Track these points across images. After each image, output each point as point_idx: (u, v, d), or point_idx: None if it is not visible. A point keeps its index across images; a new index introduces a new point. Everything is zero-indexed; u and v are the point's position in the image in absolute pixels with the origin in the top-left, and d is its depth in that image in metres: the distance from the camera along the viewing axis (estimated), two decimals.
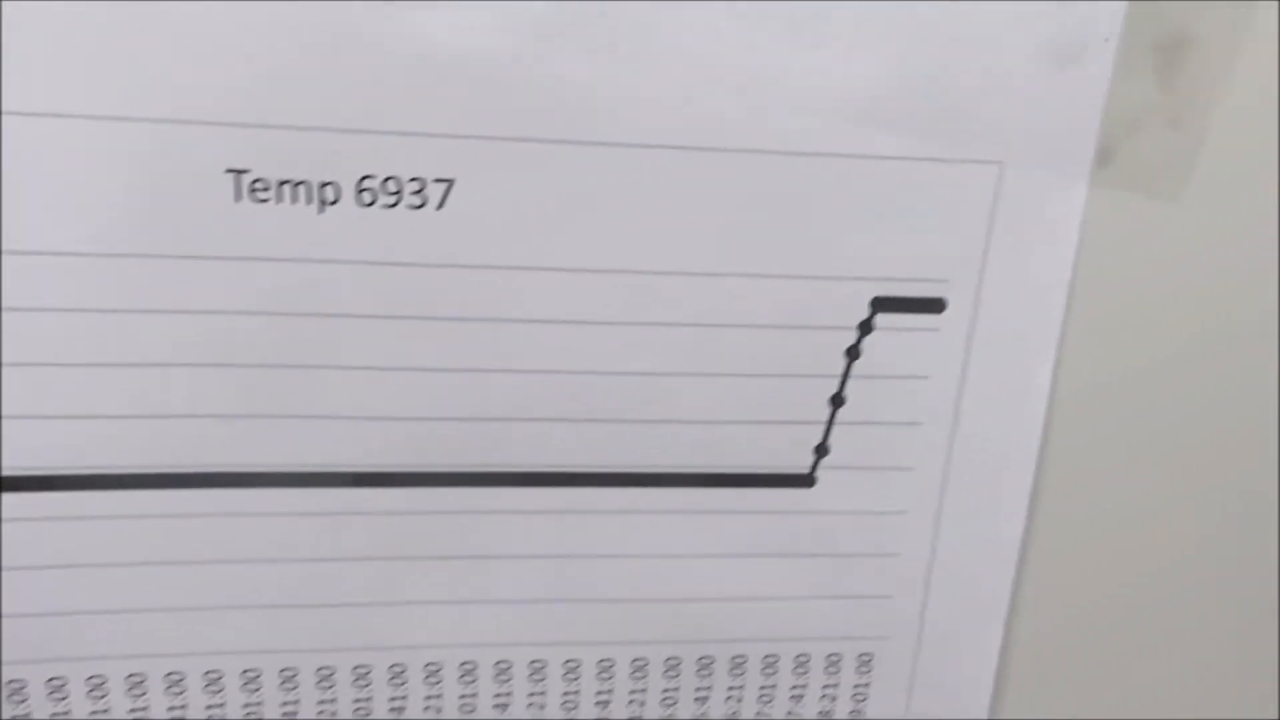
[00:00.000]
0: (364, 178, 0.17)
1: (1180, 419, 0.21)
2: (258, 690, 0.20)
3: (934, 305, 0.19)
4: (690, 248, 0.18)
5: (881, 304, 0.19)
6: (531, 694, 0.21)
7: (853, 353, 0.19)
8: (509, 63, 0.17)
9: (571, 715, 0.21)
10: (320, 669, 0.20)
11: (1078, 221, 0.19)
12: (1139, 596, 0.22)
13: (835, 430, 0.20)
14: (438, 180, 0.17)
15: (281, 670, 0.20)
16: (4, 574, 0.19)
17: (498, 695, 0.21)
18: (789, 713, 0.22)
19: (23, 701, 0.19)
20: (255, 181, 0.17)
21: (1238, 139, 0.19)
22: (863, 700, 0.22)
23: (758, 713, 0.22)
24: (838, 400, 0.20)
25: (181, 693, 0.20)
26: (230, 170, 0.17)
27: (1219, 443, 0.21)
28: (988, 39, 0.17)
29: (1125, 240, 0.19)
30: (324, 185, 0.17)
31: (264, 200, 0.17)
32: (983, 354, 0.19)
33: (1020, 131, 0.18)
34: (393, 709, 0.21)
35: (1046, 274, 0.19)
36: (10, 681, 0.19)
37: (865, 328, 0.19)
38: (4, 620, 0.19)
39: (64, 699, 0.20)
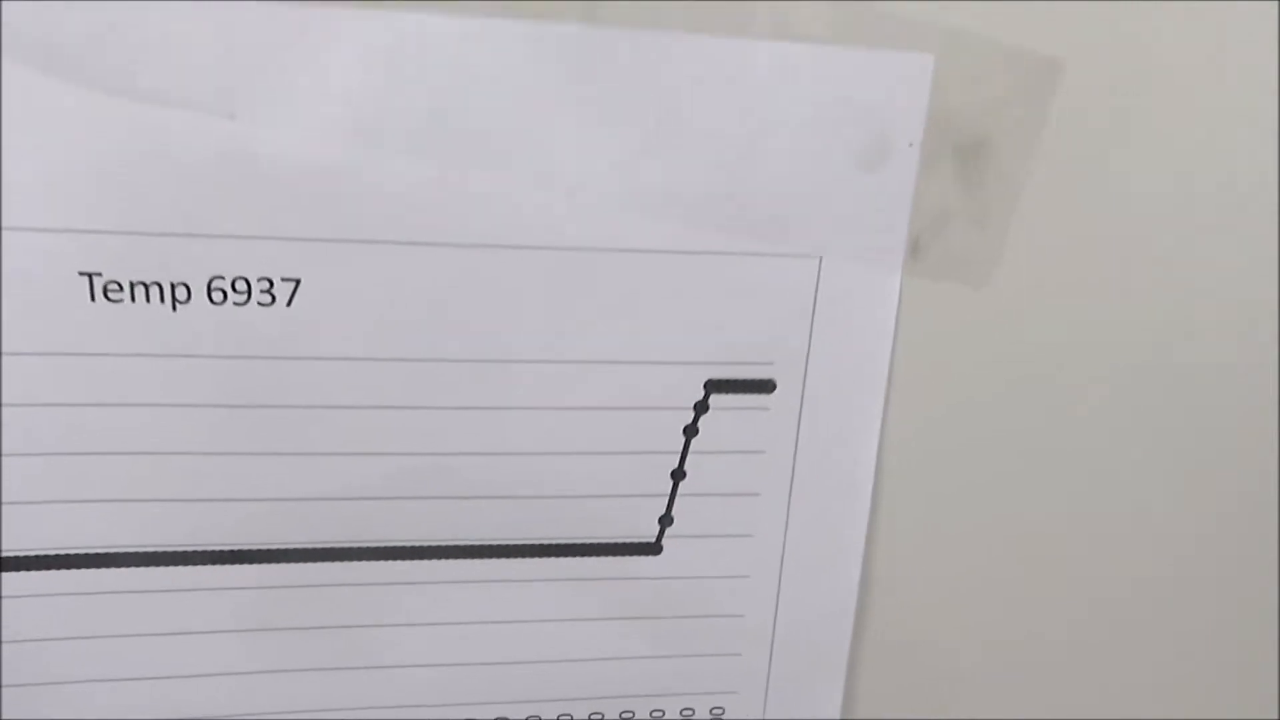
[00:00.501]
0: (214, 278, 0.18)
1: (995, 485, 0.22)
2: None
3: (764, 386, 0.21)
4: (533, 338, 0.19)
5: (715, 385, 0.20)
6: None
7: (690, 431, 0.21)
8: (344, 169, 0.18)
9: None
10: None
11: (894, 308, 0.20)
12: (969, 650, 0.24)
13: (678, 502, 0.21)
14: (285, 279, 0.18)
15: None
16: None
17: None
18: None
19: None
20: (109, 283, 0.18)
21: (1038, 230, 0.20)
22: None
23: None
24: (678, 474, 0.21)
25: None
26: (83, 273, 0.18)
27: (1030, 507, 0.23)
28: (804, 146, 0.19)
29: (938, 323, 0.21)
30: (175, 285, 0.18)
31: (118, 301, 0.18)
32: (812, 429, 0.21)
33: (837, 228, 0.20)
34: None
35: (868, 355, 0.21)
36: None
37: (701, 408, 0.21)
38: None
39: None
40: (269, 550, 0.20)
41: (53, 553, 0.19)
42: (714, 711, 0.23)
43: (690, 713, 0.23)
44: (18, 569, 0.19)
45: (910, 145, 0.19)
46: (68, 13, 0.16)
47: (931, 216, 0.20)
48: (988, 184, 0.20)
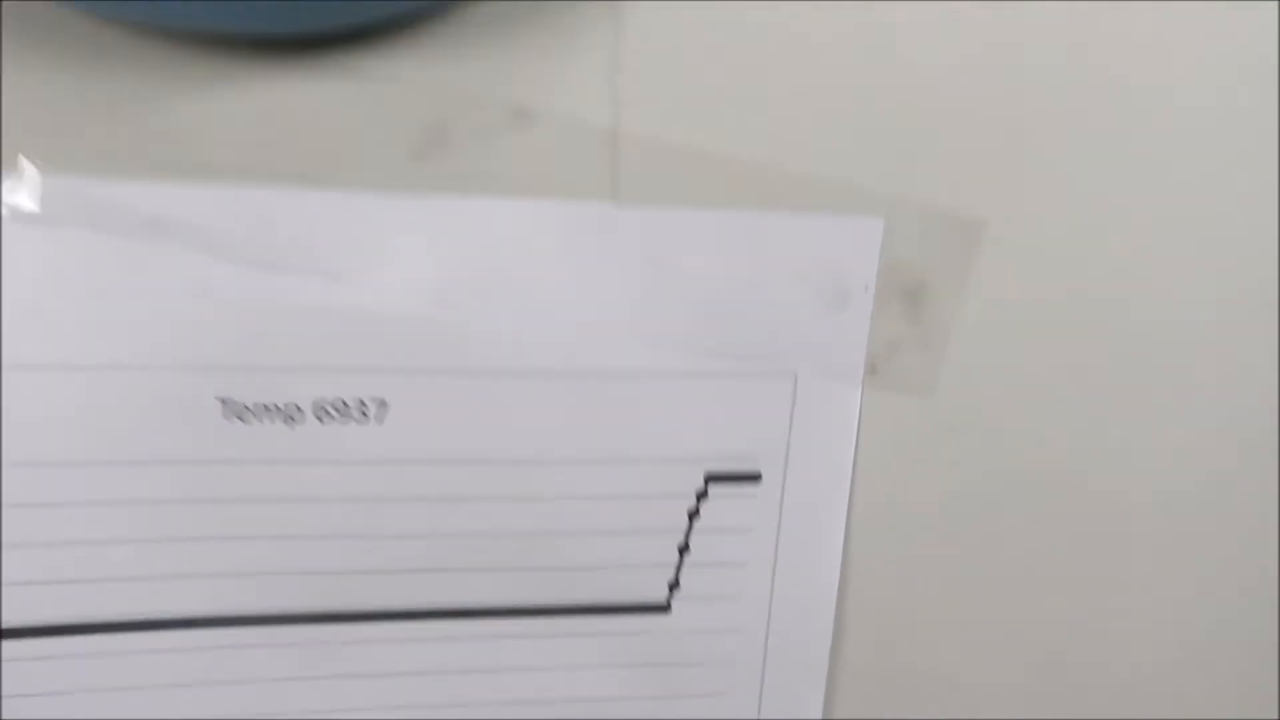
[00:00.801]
0: (320, 401, 0.23)
1: (945, 549, 0.27)
2: None
3: (752, 478, 0.26)
4: (567, 442, 0.24)
5: (713, 477, 0.25)
6: None
7: (693, 513, 0.26)
8: (423, 317, 0.23)
9: None
10: None
11: (855, 415, 0.25)
12: (939, 673, 0.28)
13: (684, 570, 0.26)
14: (376, 401, 0.23)
15: None
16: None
17: None
18: None
19: None
20: (239, 406, 0.23)
21: (970, 351, 0.25)
22: None
23: None
24: (684, 549, 0.26)
25: None
26: (218, 398, 0.23)
27: (982, 563, 0.27)
28: (781, 292, 0.24)
29: (892, 426, 0.26)
30: (288, 406, 0.23)
31: (245, 420, 0.23)
32: (791, 511, 0.26)
33: (810, 354, 0.25)
34: None
35: (836, 452, 0.26)
36: None
37: (701, 495, 0.26)
38: None
39: None
40: (344, 613, 0.25)
41: (206, 615, 0.24)
42: None
43: None
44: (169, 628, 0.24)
45: (866, 289, 0.24)
46: (221, 202, 0.22)
47: (885, 343, 0.25)
48: (928, 317, 0.25)
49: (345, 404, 0.23)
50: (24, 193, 0.21)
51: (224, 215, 0.22)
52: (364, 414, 0.24)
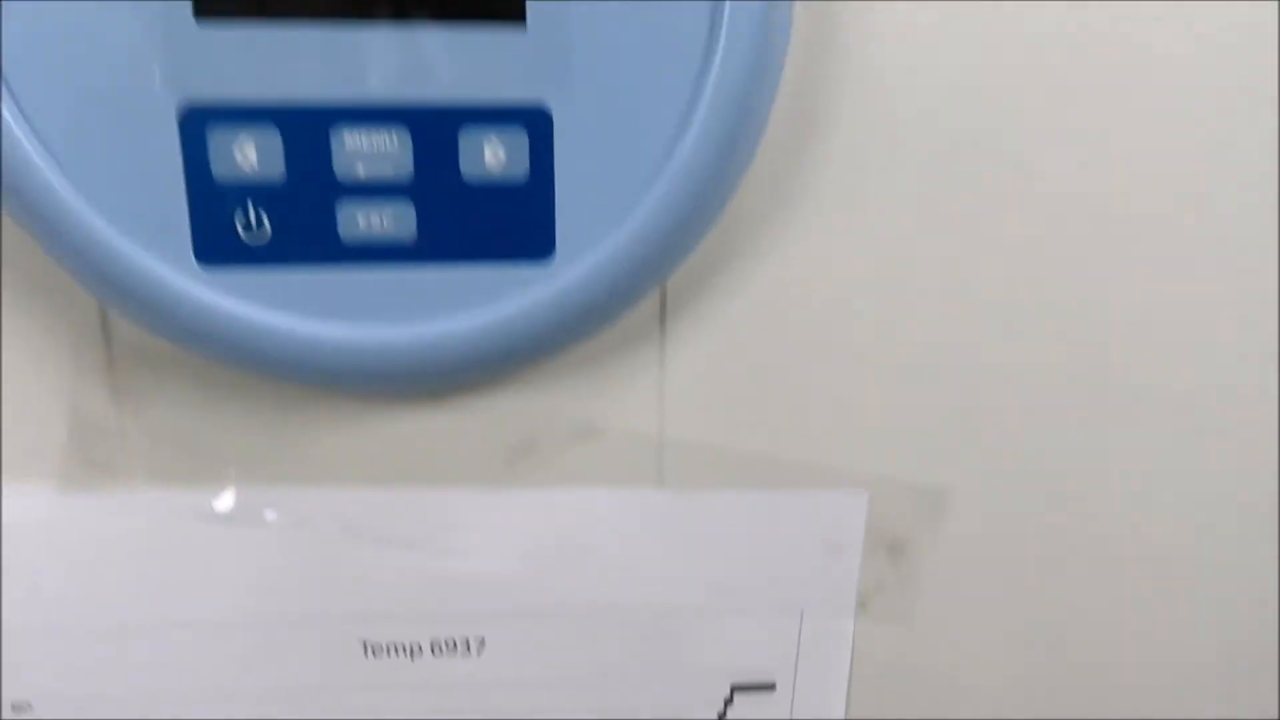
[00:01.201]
0: (434, 640, 0.30)
1: None
2: None
3: (768, 687, 0.32)
4: (623, 659, 0.31)
5: (737, 687, 0.32)
6: None
7: (722, 714, 0.32)
8: (508, 575, 0.30)
9: None
10: None
11: (850, 641, 0.32)
12: None
13: None
14: (475, 638, 0.30)
15: None
16: None
17: None
18: None
19: None
20: (374, 645, 0.30)
21: (942, 588, 0.32)
22: None
23: None
24: None
25: None
26: (360, 639, 0.30)
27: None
28: (789, 546, 0.31)
29: (880, 650, 0.32)
30: (411, 644, 0.30)
31: (379, 655, 0.30)
32: (799, 715, 0.33)
33: (811, 593, 0.32)
34: None
35: (835, 670, 0.33)
36: None
37: (728, 700, 0.32)
38: None
39: None
40: None
41: None
42: None
43: None
44: None
45: (855, 545, 0.31)
46: (367, 501, 0.29)
47: (872, 585, 0.32)
48: (906, 565, 0.32)
49: (454, 641, 0.30)
50: (224, 499, 0.28)
51: (368, 509, 0.29)
52: (467, 649, 0.31)
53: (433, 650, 0.31)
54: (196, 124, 0.23)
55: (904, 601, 0.32)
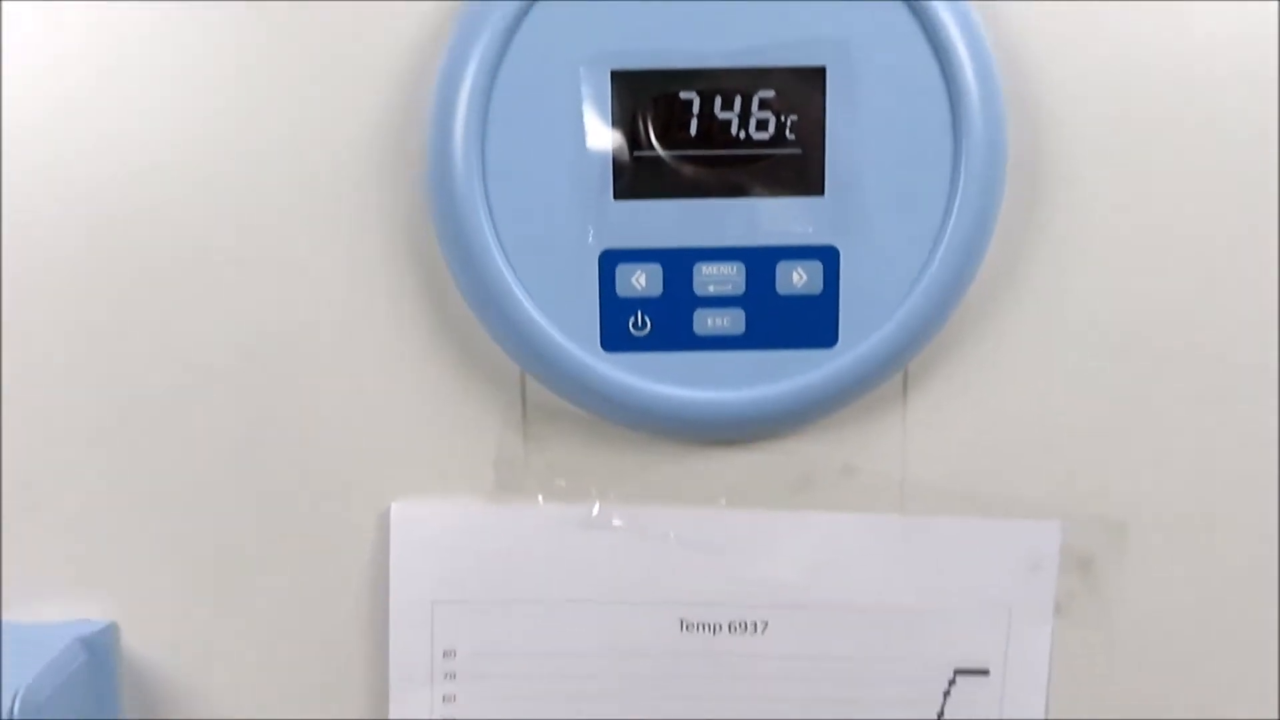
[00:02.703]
0: (732, 621, 0.43)
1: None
2: None
3: (984, 672, 0.43)
4: (871, 649, 0.43)
5: (959, 671, 0.43)
6: None
7: (947, 693, 0.43)
8: (790, 577, 0.42)
9: None
10: None
11: (1049, 638, 0.43)
12: None
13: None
14: (760, 621, 0.43)
15: None
16: None
17: None
18: None
19: None
20: (691, 623, 0.43)
21: (1128, 593, 0.42)
22: None
23: None
24: (940, 714, 0.44)
25: None
26: (680, 619, 0.43)
27: None
28: (1003, 561, 0.42)
29: (1075, 647, 0.43)
30: (737, 624, 0.43)
31: (697, 632, 0.43)
32: (1009, 696, 0.43)
33: (1018, 597, 0.42)
34: None
35: (1036, 661, 0.43)
36: None
37: (952, 682, 0.43)
38: None
39: None
40: None
41: None
42: None
43: None
44: None
45: (1052, 562, 0.42)
46: (691, 518, 0.42)
47: (1066, 594, 0.42)
48: (1097, 579, 0.42)
49: (745, 624, 0.43)
50: (592, 512, 0.42)
51: (690, 522, 0.42)
52: (755, 629, 0.43)
53: (729, 629, 0.43)
54: (610, 262, 0.38)
55: (1095, 608, 0.43)
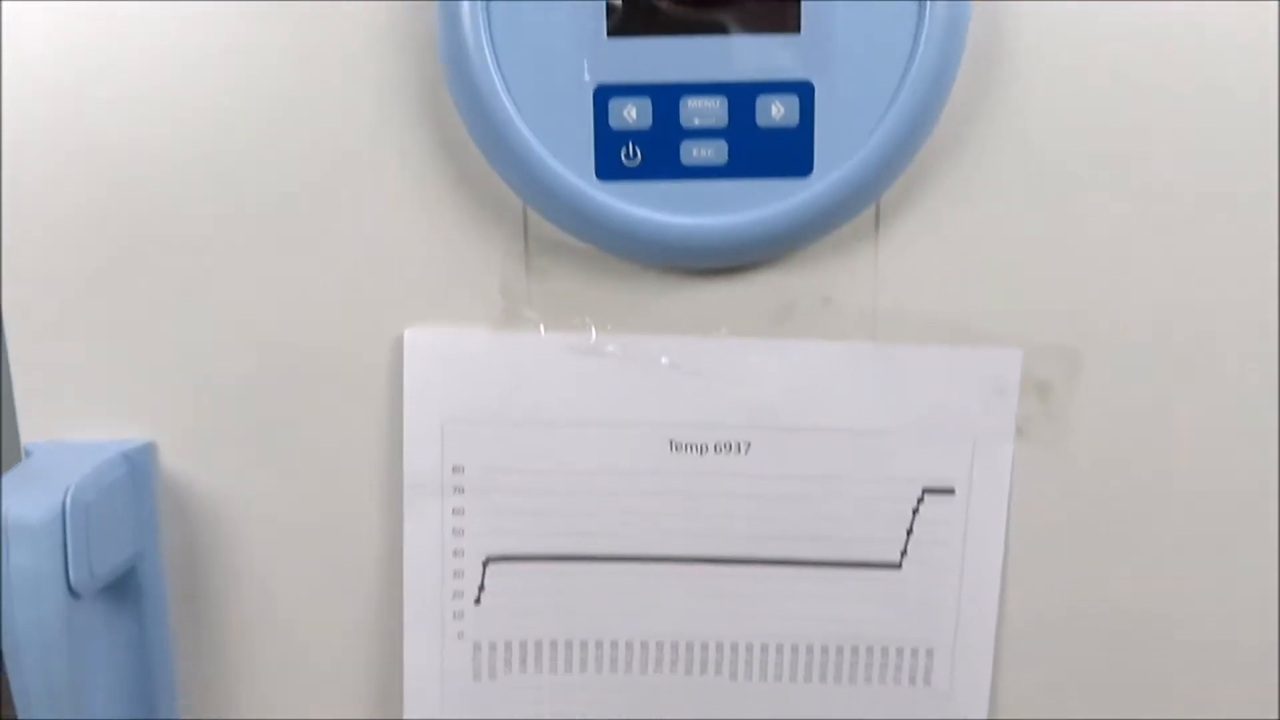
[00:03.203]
0: (718, 441, 0.47)
1: (1073, 542, 0.48)
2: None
3: (950, 492, 0.47)
4: (844, 469, 0.47)
5: (927, 490, 0.47)
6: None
7: (915, 510, 0.48)
8: (767, 398, 0.46)
9: None
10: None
11: (1010, 459, 0.47)
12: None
13: (909, 544, 0.48)
14: (744, 441, 0.47)
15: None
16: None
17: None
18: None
19: None
20: (681, 443, 0.47)
21: (1087, 418, 0.46)
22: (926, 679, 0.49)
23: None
24: (910, 531, 0.48)
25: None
26: (670, 439, 0.47)
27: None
28: (968, 387, 0.46)
29: (1033, 466, 0.47)
30: (722, 444, 0.47)
31: (685, 452, 0.47)
32: (973, 514, 0.47)
33: (983, 422, 0.46)
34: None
35: (999, 480, 0.47)
36: None
37: (920, 500, 0.47)
38: None
39: None
40: (718, 558, 0.48)
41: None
42: (926, 654, 0.49)
43: (899, 656, 0.49)
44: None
45: (1013, 388, 0.46)
46: (675, 345, 0.46)
47: (1026, 417, 0.46)
48: (1055, 404, 0.46)
49: (730, 444, 0.47)
50: (588, 340, 0.46)
51: (679, 349, 0.46)
52: (739, 450, 0.47)
53: (715, 450, 0.47)
54: (604, 96, 0.41)
55: (1052, 429, 0.47)
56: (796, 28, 0.40)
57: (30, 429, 0.48)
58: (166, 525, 0.49)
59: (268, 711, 0.51)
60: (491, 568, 0.48)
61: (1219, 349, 0.46)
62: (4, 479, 0.44)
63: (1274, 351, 0.46)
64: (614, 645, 0.50)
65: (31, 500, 0.43)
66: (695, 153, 0.42)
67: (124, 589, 0.48)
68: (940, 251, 0.45)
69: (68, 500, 0.43)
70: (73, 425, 0.48)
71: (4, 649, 0.44)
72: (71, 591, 0.43)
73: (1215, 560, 0.48)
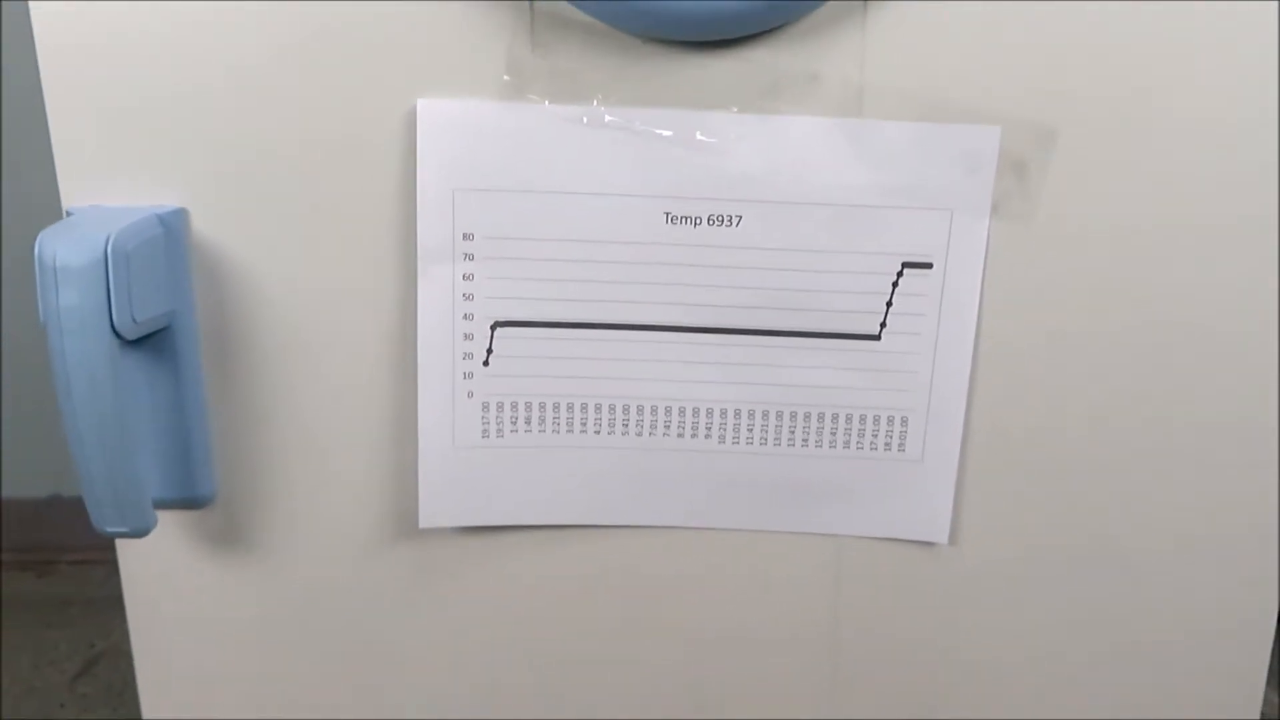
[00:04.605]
0: (711, 214, 0.51)
1: (1040, 303, 0.52)
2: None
3: (928, 266, 0.51)
4: (827, 241, 0.51)
5: (906, 264, 0.51)
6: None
7: (895, 284, 0.51)
8: (757, 172, 0.50)
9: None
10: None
11: (985, 233, 0.50)
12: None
13: (888, 317, 0.52)
14: (735, 216, 0.51)
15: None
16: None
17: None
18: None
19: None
20: (674, 216, 0.51)
21: (1053, 200, 0.50)
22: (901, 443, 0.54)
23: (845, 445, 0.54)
24: (889, 303, 0.52)
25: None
26: (664, 211, 0.51)
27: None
28: (948, 162, 0.49)
29: (1006, 241, 0.50)
30: (715, 218, 0.51)
31: (680, 224, 0.51)
32: (949, 286, 0.51)
33: (960, 198, 0.50)
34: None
35: (974, 254, 0.51)
36: None
37: (900, 274, 0.51)
38: None
39: None
40: (710, 328, 0.53)
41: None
42: (900, 421, 0.54)
43: (879, 418, 0.54)
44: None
45: (991, 165, 0.49)
46: (668, 117, 0.49)
47: (1002, 193, 0.50)
48: (1030, 181, 0.49)
49: (723, 217, 0.51)
50: (587, 111, 0.49)
51: (676, 122, 0.50)
52: (730, 222, 0.51)
53: (709, 221, 0.51)
54: None
55: (1025, 205, 0.50)
56: None
57: (69, 197, 0.52)
58: (197, 290, 0.53)
59: (295, 470, 0.56)
60: (499, 332, 0.53)
61: (1194, 129, 0.49)
62: (47, 231, 0.48)
63: (1251, 132, 0.49)
64: (611, 409, 0.55)
65: (76, 246, 0.47)
66: None
67: (161, 348, 0.53)
68: (926, 29, 0.48)
69: (109, 246, 0.47)
70: (108, 194, 0.52)
71: (56, 387, 0.49)
72: (115, 333, 0.48)
73: (1196, 344, 0.53)
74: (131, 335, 0.49)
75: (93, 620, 1.46)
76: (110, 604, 1.53)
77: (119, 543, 0.57)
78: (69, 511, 1.63)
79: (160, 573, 0.58)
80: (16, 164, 1.56)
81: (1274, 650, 0.59)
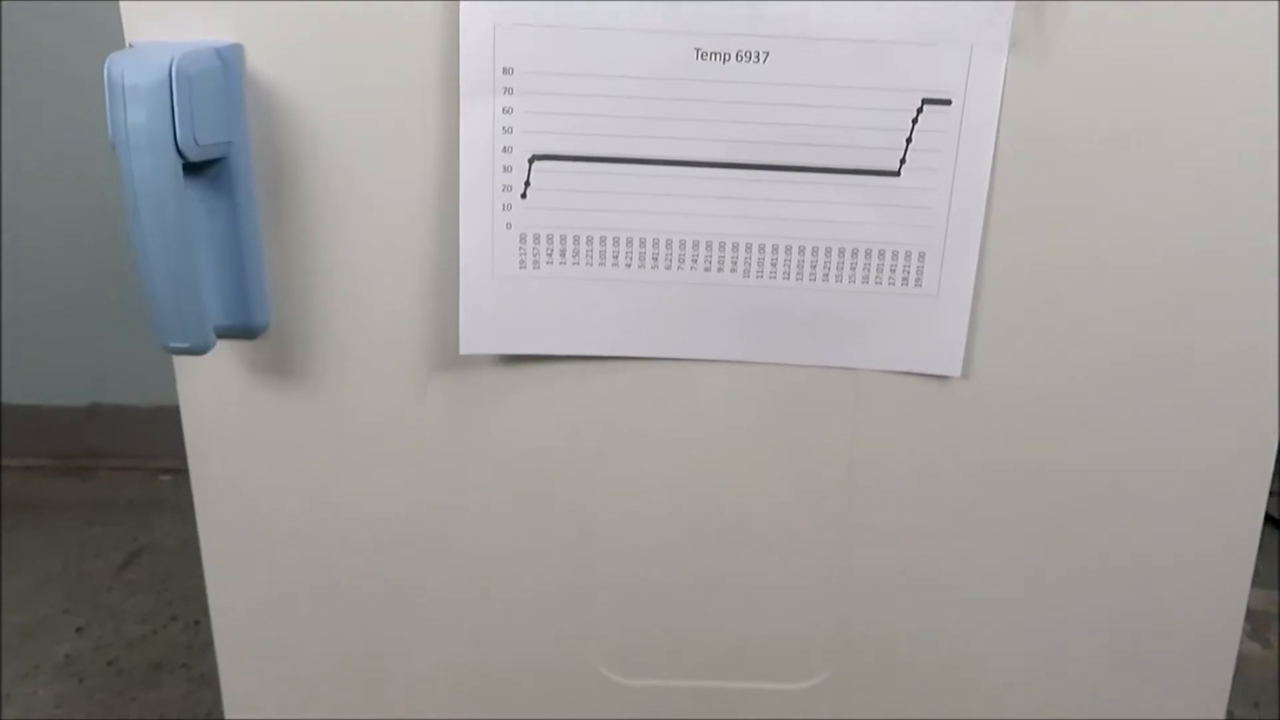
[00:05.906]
0: (740, 51, 0.53)
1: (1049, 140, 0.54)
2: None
3: (947, 102, 0.54)
4: (853, 75, 0.53)
5: (926, 100, 0.54)
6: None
7: (914, 120, 0.54)
8: (785, 12, 0.53)
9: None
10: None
11: (1003, 68, 0.53)
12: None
13: (908, 153, 0.55)
14: (763, 51, 0.53)
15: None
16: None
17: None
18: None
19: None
20: (704, 52, 0.54)
21: (1080, 39, 0.52)
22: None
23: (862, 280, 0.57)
24: (909, 140, 0.55)
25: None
26: (696, 48, 0.54)
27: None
28: (971, 15, 0.52)
29: (1024, 75, 0.53)
30: (743, 54, 0.53)
31: (710, 60, 0.54)
32: (968, 122, 0.54)
33: (978, 41, 0.52)
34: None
35: (992, 87, 0.53)
36: None
37: (919, 110, 0.54)
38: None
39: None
40: (735, 163, 0.56)
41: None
42: (918, 256, 0.57)
43: (897, 256, 0.57)
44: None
45: (1007, 18, 0.52)
46: None
47: (1020, 29, 0.52)
48: (1042, 24, 0.52)
49: (750, 53, 0.54)
50: None
51: None
52: (758, 59, 0.54)
53: (737, 58, 0.54)
54: None
55: (1040, 45, 0.53)
56: None
57: (131, 30, 0.56)
58: (251, 125, 0.57)
59: (342, 303, 0.60)
60: (536, 165, 0.56)
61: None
62: (115, 54, 0.52)
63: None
64: (642, 242, 0.58)
65: (143, 67, 0.51)
66: None
67: (219, 179, 0.57)
68: None
69: (174, 68, 0.51)
70: (169, 30, 0.55)
71: (125, 206, 0.53)
72: (179, 152, 0.52)
73: (1208, 180, 0.55)
74: (194, 156, 0.53)
75: (134, 519, 1.52)
76: (149, 505, 1.60)
77: (178, 369, 0.61)
78: (109, 419, 1.69)
79: (216, 402, 0.63)
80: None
81: None
